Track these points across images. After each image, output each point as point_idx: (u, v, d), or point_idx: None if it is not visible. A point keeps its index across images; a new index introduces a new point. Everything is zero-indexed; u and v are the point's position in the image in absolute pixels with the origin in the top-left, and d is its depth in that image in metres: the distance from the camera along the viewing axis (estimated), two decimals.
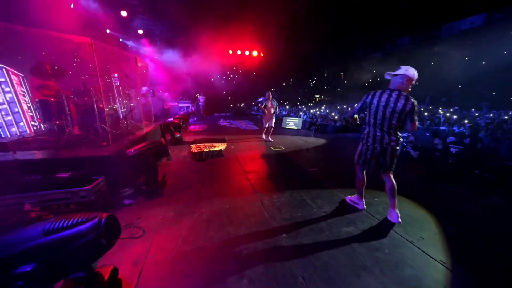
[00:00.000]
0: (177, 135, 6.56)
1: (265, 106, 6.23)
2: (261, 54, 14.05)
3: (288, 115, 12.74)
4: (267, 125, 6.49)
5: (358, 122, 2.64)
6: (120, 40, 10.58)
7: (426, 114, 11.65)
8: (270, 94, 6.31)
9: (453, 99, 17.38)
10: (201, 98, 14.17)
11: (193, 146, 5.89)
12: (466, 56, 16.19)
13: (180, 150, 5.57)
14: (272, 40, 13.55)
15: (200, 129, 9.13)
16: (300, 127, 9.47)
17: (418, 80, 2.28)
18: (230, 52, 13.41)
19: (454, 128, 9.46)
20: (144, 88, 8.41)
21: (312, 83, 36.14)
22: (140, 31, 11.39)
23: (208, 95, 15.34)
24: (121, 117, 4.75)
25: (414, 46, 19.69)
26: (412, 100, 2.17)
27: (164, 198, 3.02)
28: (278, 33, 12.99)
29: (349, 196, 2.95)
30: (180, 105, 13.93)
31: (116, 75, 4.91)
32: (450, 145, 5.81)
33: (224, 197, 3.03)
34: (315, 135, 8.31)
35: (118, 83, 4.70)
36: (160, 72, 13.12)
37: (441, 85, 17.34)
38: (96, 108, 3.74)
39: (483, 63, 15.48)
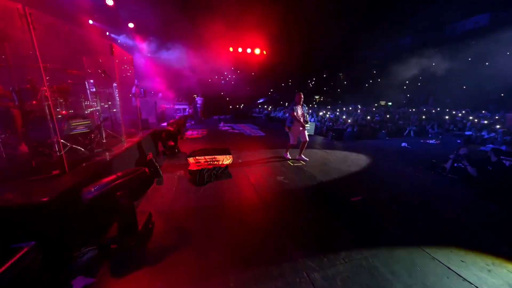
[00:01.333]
0: (172, 145, 5.37)
1: (296, 114, 4.57)
2: (264, 52, 12.93)
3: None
4: (295, 141, 4.76)
5: None
6: (107, 33, 9.33)
7: (447, 117, 10.70)
8: (302, 96, 4.62)
9: (457, 100, 16.73)
10: (198, 100, 12.94)
11: (191, 160, 4.69)
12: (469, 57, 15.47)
13: (175, 167, 4.38)
14: (276, 37, 12.45)
15: (199, 135, 7.93)
16: (312, 132, 8.37)
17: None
18: (231, 49, 12.26)
19: (483, 133, 8.51)
20: (135, 88, 7.19)
21: (312, 84, 35.29)
22: (131, 25, 10.15)
23: (207, 96, 14.13)
24: (96, 127, 3.53)
25: (416, 46, 18.92)
26: None
27: (146, 266, 1.84)
28: (283, 29, 11.90)
29: None
30: (176, 107, 12.70)
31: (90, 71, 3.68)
32: (503, 158, 4.73)
33: (245, 267, 1.86)
34: (332, 142, 7.20)
35: (92, 81, 3.48)
36: (153, 71, 11.86)
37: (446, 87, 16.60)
38: (51, 116, 2.52)
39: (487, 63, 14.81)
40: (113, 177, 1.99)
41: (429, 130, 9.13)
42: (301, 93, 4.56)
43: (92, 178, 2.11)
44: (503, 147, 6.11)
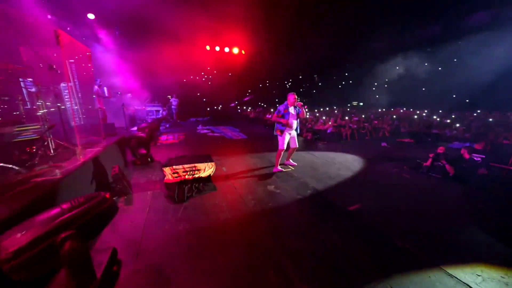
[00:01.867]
0: (143, 153, 4.68)
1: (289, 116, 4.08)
2: (243, 52, 12.56)
3: None
4: (284, 146, 4.23)
5: None
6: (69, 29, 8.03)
7: (415, 117, 11.51)
8: (296, 97, 4.06)
9: (421, 100, 18.32)
10: (173, 101, 12.05)
11: (167, 170, 4.09)
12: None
13: (148, 180, 3.76)
14: (255, 37, 12.16)
15: (175, 140, 7.22)
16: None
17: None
18: (208, 48, 11.63)
19: (446, 131, 9.28)
20: (97, 87, 6.20)
21: (288, 85, 36.00)
22: (91, 16, 8.94)
23: (182, 97, 13.24)
24: (45, 137, 2.77)
25: (383, 52, 20.18)
26: None
27: None
28: (262, 29, 11.68)
29: None
30: (148, 109, 11.62)
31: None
32: (474, 155, 5.05)
33: None
34: (317, 143, 7.13)
35: (31, 80, 2.69)
36: (122, 68, 10.65)
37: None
38: None
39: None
40: (55, 211, 1.42)
41: (401, 129, 9.70)
42: (295, 94, 4.07)
43: (23, 214, 1.50)
44: (467, 144, 6.64)
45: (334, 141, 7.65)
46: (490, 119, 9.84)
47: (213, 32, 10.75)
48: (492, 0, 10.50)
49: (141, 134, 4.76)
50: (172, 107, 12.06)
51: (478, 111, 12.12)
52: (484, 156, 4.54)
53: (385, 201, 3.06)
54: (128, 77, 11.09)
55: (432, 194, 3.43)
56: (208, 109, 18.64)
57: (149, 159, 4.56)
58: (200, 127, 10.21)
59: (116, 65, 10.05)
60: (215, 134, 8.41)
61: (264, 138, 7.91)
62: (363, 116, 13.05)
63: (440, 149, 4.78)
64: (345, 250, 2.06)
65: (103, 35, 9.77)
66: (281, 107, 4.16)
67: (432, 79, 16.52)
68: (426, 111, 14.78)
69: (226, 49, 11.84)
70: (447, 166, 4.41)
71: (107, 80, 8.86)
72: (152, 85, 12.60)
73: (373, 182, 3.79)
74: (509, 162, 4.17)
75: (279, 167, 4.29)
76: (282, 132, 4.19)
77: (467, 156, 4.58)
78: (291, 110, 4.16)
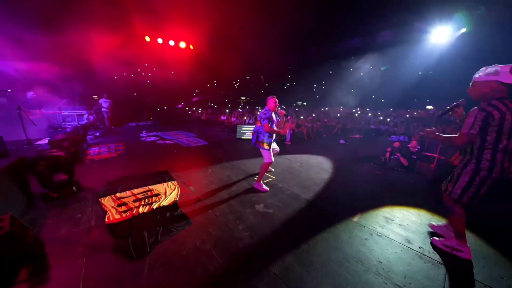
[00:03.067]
0: (63, 180, 3.16)
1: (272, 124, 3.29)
2: (191, 47, 11.24)
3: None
4: (271, 159, 3.37)
5: None
6: None
7: (356, 115, 13.15)
8: (276, 101, 3.31)
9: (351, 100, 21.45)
10: (103, 102, 9.58)
11: (107, 202, 2.84)
12: None
13: (76, 224, 2.44)
14: (205, 32, 11.07)
15: (113, 153, 5.53)
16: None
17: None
18: (147, 39, 9.77)
19: (381, 126, 10.92)
20: None
21: (237, 85, 35.85)
22: None
23: (116, 97, 10.75)
24: None
25: (321, 56, 22.62)
26: None
27: None
28: (212, 24, 10.70)
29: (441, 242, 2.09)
30: (66, 112, 8.82)
31: None
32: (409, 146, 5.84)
33: None
34: (284, 145, 6.90)
35: None
36: (16, 55, 7.58)
37: None
38: None
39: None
40: None
41: (346, 126, 10.79)
42: (275, 97, 3.29)
43: None
44: (401, 137, 7.83)
45: (297, 142, 7.65)
46: (413, 115, 12.21)
47: (155, 20, 9.06)
48: (396, 21, 13.13)
49: (56, 152, 3.21)
50: (103, 109, 9.56)
51: (409, 110, 14.96)
52: (419, 147, 5.31)
53: (375, 203, 2.94)
54: (32, 68, 8.05)
55: (416, 189, 3.59)
56: (159, 110, 16.06)
57: (73, 188, 3.10)
58: (144, 133, 8.41)
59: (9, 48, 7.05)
60: (167, 142, 7.01)
61: (227, 143, 7.13)
62: (313, 115, 13.99)
63: (396, 144, 5.29)
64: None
65: None
66: (267, 114, 3.22)
67: (361, 83, 19.44)
68: (358, 109, 17.32)
69: (171, 42, 10.25)
70: (402, 159, 4.90)
71: None
72: (69, 83, 9.67)
73: (355, 184, 3.71)
74: (437, 151, 4.95)
75: (264, 186, 3.38)
76: (269, 145, 3.29)
77: (405, 149, 5.28)
78: (274, 116, 3.41)
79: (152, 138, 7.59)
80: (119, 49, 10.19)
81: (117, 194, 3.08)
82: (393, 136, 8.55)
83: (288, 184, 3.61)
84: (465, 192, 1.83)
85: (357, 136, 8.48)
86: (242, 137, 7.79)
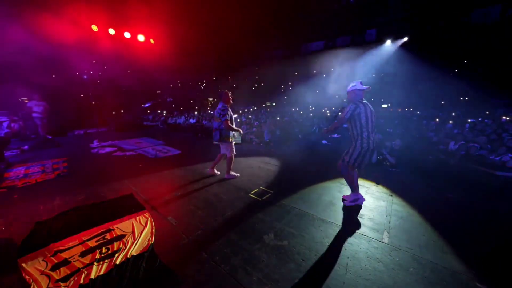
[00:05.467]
0: None
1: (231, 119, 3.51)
2: (152, 41, 9.79)
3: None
4: (233, 152, 3.73)
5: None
6: None
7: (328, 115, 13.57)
8: (230, 95, 3.55)
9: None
10: (35, 106, 7.47)
11: (32, 268, 1.77)
12: None
13: None
14: (168, 24, 9.79)
15: (49, 174, 4.08)
16: (240, 141, 7.04)
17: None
18: (95, 28, 8.03)
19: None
20: None
21: (203, 86, 34.23)
22: None
23: (54, 100, 8.60)
24: None
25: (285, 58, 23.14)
26: None
27: None
28: (176, 16, 9.51)
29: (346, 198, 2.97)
30: None
31: None
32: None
33: None
34: (268, 148, 6.33)
35: None
36: None
37: None
38: None
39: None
40: None
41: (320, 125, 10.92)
42: (229, 92, 3.53)
43: None
44: (378, 134, 8.12)
45: (278, 143, 7.19)
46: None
47: (104, 4, 7.45)
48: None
49: None
50: (34, 115, 7.45)
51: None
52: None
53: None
54: None
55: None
56: (99, 114, 13.63)
57: None
58: (96, 143, 6.80)
59: None
60: (128, 153, 5.69)
61: (204, 150, 6.20)
62: (285, 118, 13.88)
63: (383, 144, 5.25)
64: None
65: None
66: (225, 110, 3.41)
67: (326, 83, 20.39)
68: (325, 109, 18.08)
69: (127, 35, 8.68)
70: (388, 157, 4.86)
71: None
72: None
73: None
74: None
75: (232, 173, 3.79)
76: (233, 138, 3.60)
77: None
78: (230, 111, 3.53)
79: (107, 150, 6.12)
80: (58, 38, 8.15)
81: (53, 245, 2.01)
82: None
83: (292, 199, 3.02)
84: (355, 160, 2.66)
85: (336, 135, 8.50)
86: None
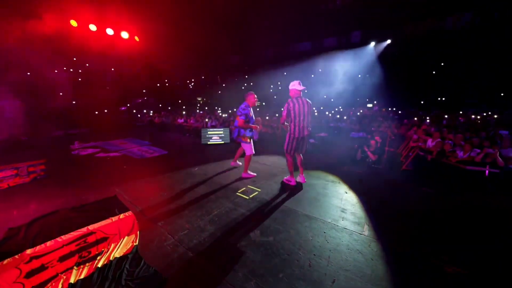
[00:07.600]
0: None
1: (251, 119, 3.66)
2: (136, 39, 9.49)
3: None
4: (253, 151, 3.81)
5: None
6: None
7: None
8: (256, 97, 3.64)
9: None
10: (8, 106, 6.99)
11: (4, 276, 1.68)
12: None
13: None
14: (154, 22, 9.54)
15: (24, 177, 3.84)
16: (228, 140, 7.05)
17: None
18: (74, 23, 7.65)
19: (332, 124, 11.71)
20: None
21: (191, 85, 33.70)
22: None
23: (27, 98, 8.10)
24: None
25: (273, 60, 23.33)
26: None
27: None
28: (160, 9, 9.28)
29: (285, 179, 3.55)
30: None
31: None
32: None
33: None
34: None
35: None
36: None
37: None
38: None
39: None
40: None
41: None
42: (254, 93, 3.60)
43: None
44: (361, 133, 8.41)
45: (269, 143, 7.25)
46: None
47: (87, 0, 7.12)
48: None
49: None
50: (7, 115, 6.97)
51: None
52: (380, 141, 5.68)
53: (387, 211, 2.72)
54: None
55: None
56: (97, 113, 13.01)
57: None
58: (77, 144, 6.49)
59: None
60: (112, 154, 5.49)
61: (192, 150, 6.12)
62: (277, 114, 14.00)
63: (372, 142, 5.45)
64: None
65: None
66: (245, 111, 3.49)
67: (313, 84, 20.80)
68: (314, 108, 18.43)
69: (110, 31, 8.34)
70: (369, 153, 5.07)
71: None
72: None
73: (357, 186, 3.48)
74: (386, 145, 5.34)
75: (250, 172, 3.86)
76: (251, 139, 3.69)
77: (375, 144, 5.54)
78: (251, 112, 3.62)
79: (90, 151, 5.87)
80: (34, 33, 7.68)
81: (28, 251, 1.92)
82: (353, 132, 9.15)
83: (279, 198, 3.07)
84: (287, 147, 3.23)
85: (323, 134, 8.71)
86: (209, 142, 6.88)
